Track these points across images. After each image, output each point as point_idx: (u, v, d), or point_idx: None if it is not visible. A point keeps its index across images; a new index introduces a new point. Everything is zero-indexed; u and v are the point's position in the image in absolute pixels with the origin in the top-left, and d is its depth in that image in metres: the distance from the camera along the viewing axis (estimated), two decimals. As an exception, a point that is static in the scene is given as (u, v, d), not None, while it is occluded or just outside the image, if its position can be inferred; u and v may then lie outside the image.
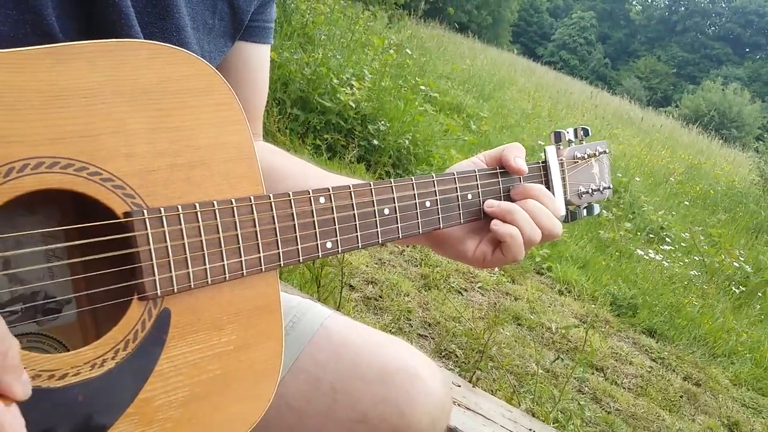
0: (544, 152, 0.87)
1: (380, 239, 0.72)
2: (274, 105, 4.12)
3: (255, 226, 0.61)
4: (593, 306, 3.91)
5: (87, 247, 0.54)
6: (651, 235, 5.97)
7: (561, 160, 0.88)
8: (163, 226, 0.55)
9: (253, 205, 0.61)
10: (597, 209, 0.93)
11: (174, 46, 0.58)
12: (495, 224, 0.77)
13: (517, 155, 0.81)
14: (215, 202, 0.59)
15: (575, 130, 0.90)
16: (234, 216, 0.60)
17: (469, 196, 0.79)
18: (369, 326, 0.87)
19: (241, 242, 0.60)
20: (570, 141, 0.89)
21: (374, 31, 7.51)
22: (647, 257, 5.02)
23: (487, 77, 10.86)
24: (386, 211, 0.72)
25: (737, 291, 5.10)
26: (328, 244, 0.67)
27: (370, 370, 0.78)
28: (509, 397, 2.33)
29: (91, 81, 0.53)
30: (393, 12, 9.88)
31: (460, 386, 1.86)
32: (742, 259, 5.77)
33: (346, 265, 2.74)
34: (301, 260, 0.65)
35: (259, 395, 0.64)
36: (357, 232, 0.69)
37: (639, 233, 5.85)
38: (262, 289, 0.63)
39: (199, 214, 0.58)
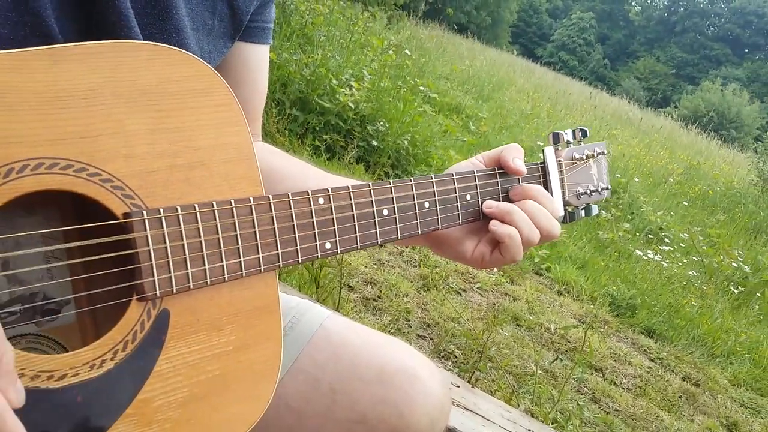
0: (543, 153, 0.87)
1: (379, 240, 0.72)
2: (273, 106, 4.12)
3: (254, 227, 0.61)
4: (592, 306, 3.91)
5: (86, 247, 0.54)
6: (650, 236, 5.98)
7: (559, 161, 0.88)
8: (162, 227, 0.56)
9: (253, 206, 0.61)
10: (595, 210, 0.93)
11: (173, 47, 0.58)
12: (494, 225, 0.77)
13: (515, 156, 0.81)
14: (214, 203, 0.59)
15: (573, 131, 0.90)
16: (233, 217, 0.60)
17: (468, 197, 0.79)
18: (368, 327, 0.87)
19: (240, 243, 0.60)
20: (568, 142, 0.89)
21: (373, 32, 7.51)
22: (646, 258, 5.02)
23: (486, 78, 10.87)
24: (385, 212, 0.72)
25: (736, 291, 5.11)
26: (327, 245, 0.67)
27: (369, 371, 0.78)
28: (508, 397, 2.33)
29: (90, 82, 0.53)
30: (392, 13, 9.89)
31: (459, 387, 1.87)
32: (740, 259, 5.77)
33: (345, 265, 2.74)
34: (300, 261, 0.65)
35: (258, 396, 0.64)
36: (356, 232, 0.70)
37: (638, 234, 5.86)
38: (261, 290, 0.63)
39: (198, 215, 0.58)
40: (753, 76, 54.63)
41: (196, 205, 0.58)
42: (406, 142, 4.58)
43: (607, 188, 0.95)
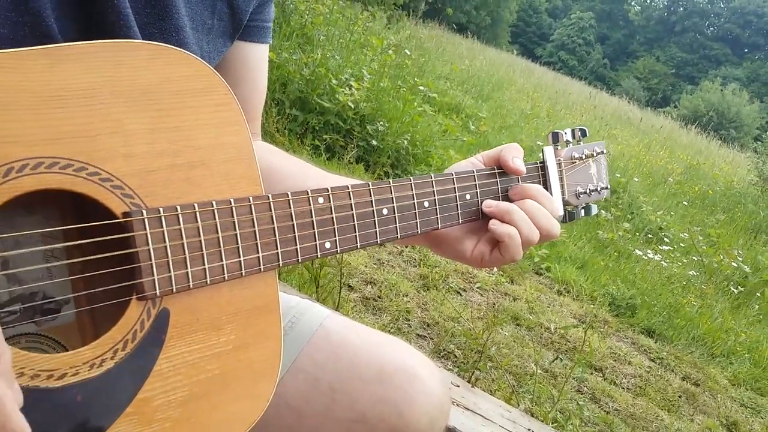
0: (542, 153, 0.87)
1: (379, 239, 0.72)
2: (273, 105, 4.12)
3: (254, 226, 0.61)
4: (592, 306, 3.91)
5: (86, 247, 0.54)
6: (649, 236, 5.98)
7: (559, 160, 0.88)
8: (162, 226, 0.56)
9: (252, 206, 0.61)
10: (595, 210, 0.93)
11: (173, 47, 0.58)
12: (493, 224, 0.77)
13: (515, 155, 0.81)
14: (214, 203, 0.59)
15: (573, 131, 0.90)
16: (233, 216, 0.60)
17: (468, 197, 0.79)
18: (368, 326, 0.87)
19: (239, 242, 0.60)
20: (568, 141, 0.89)
21: (373, 32, 7.51)
22: (646, 257, 5.02)
23: (485, 78, 10.86)
24: (385, 212, 0.72)
25: (736, 291, 5.11)
26: (327, 244, 0.67)
27: (368, 370, 0.78)
28: (508, 397, 2.33)
29: (89, 81, 0.53)
30: (392, 12, 9.88)
31: (458, 386, 1.87)
32: (740, 259, 5.78)
33: (345, 265, 2.74)
34: (299, 260, 0.65)
35: (257, 395, 0.64)
36: (356, 232, 0.70)
37: (638, 233, 5.86)
38: (260, 289, 0.63)
39: (197, 214, 0.58)
40: (752, 76, 54.65)
41: (196, 205, 0.58)
42: (405, 142, 4.58)
43: (607, 188, 0.95)
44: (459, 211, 0.78)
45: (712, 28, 61.13)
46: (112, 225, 0.54)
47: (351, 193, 0.69)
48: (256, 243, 0.62)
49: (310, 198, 0.66)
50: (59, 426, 0.51)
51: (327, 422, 0.78)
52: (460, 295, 3.32)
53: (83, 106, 0.52)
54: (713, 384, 3.46)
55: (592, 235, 5.20)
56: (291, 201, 0.64)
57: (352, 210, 0.69)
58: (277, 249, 0.63)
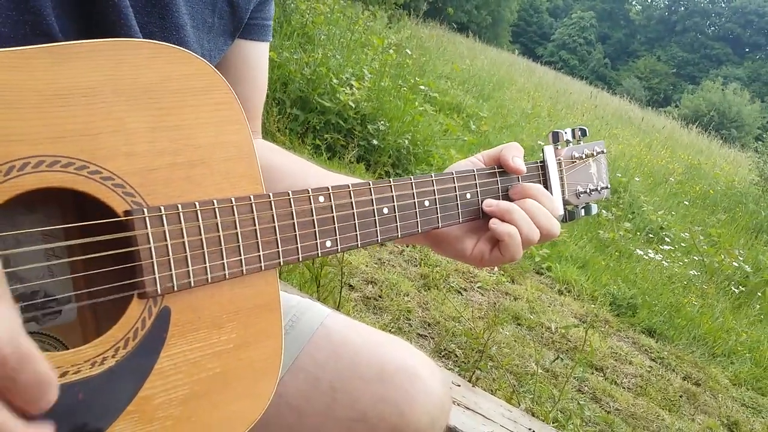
0: (542, 152, 0.87)
1: (379, 238, 0.72)
2: (274, 105, 4.12)
3: (255, 225, 0.62)
4: (593, 306, 3.91)
5: (87, 245, 0.54)
6: (650, 235, 5.98)
7: (559, 159, 0.88)
8: (163, 225, 0.56)
9: (253, 204, 0.61)
10: (595, 209, 0.93)
11: (173, 45, 0.58)
12: (493, 223, 0.77)
13: (515, 155, 0.81)
14: (215, 201, 0.59)
15: (573, 131, 0.90)
16: (234, 215, 0.60)
17: (468, 196, 0.79)
18: (368, 326, 0.87)
19: (240, 241, 0.61)
20: (568, 141, 0.89)
21: (374, 31, 7.51)
22: (647, 257, 5.02)
23: (486, 77, 10.86)
24: (385, 211, 0.72)
25: (737, 291, 5.11)
26: (328, 243, 0.67)
27: (369, 370, 0.78)
28: (509, 396, 2.33)
29: (90, 80, 0.53)
30: (393, 12, 9.89)
31: (459, 386, 1.87)
32: (741, 258, 5.77)
33: (346, 264, 2.74)
34: (300, 259, 0.65)
35: (258, 394, 0.64)
36: (356, 231, 0.70)
37: (638, 233, 5.86)
38: (261, 288, 0.64)
39: (199, 212, 0.58)
40: (754, 76, 54.61)
41: (197, 203, 0.58)
42: (406, 142, 4.58)
43: (607, 187, 0.95)
44: (459, 210, 0.79)
45: (713, 28, 61.08)
46: (114, 223, 0.54)
47: (352, 192, 0.69)
48: (257, 241, 0.62)
49: (311, 197, 0.66)
50: (60, 424, 0.51)
51: (328, 421, 0.78)
52: (461, 294, 3.32)
53: (85, 104, 0.53)
54: (714, 384, 3.46)
55: (593, 235, 5.20)
56: (292, 200, 0.64)
57: (352, 209, 0.69)
58: (278, 247, 0.63)
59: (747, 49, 58.44)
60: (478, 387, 1.97)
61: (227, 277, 0.60)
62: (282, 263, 0.64)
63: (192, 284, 0.57)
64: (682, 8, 62.07)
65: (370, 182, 0.71)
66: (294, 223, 0.64)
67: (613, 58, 59.23)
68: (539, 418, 2.12)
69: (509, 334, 3.03)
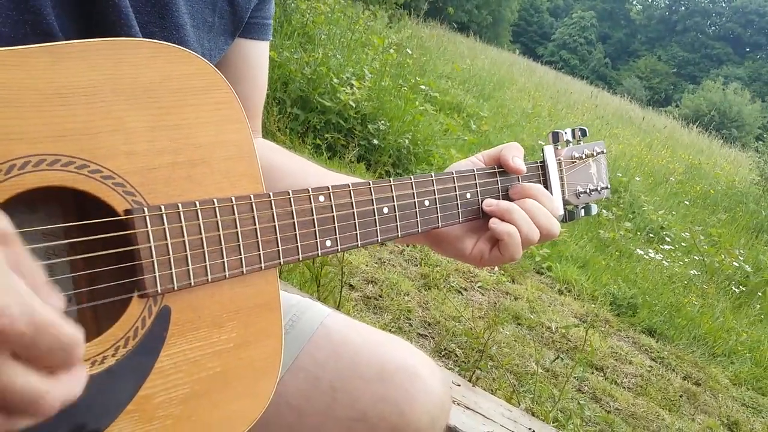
0: (543, 152, 0.87)
1: (379, 238, 0.72)
2: (274, 104, 4.12)
3: (255, 224, 0.62)
4: (593, 305, 3.91)
5: (87, 244, 0.54)
6: (651, 235, 5.98)
7: (559, 159, 0.88)
8: (163, 224, 0.56)
9: (253, 204, 0.62)
10: (595, 209, 0.93)
11: (174, 45, 0.58)
12: (493, 223, 0.77)
13: (515, 155, 0.81)
14: (215, 201, 0.59)
15: (573, 131, 0.90)
16: (234, 214, 0.60)
17: (468, 195, 0.79)
18: (369, 325, 0.87)
19: (241, 240, 0.61)
20: (568, 141, 0.89)
21: (374, 31, 7.51)
22: (647, 257, 5.02)
23: (487, 77, 10.86)
24: (385, 210, 0.72)
25: (737, 290, 5.11)
26: (328, 243, 0.67)
27: (369, 369, 0.78)
28: (509, 396, 2.33)
29: (90, 79, 0.53)
30: (393, 12, 9.88)
31: (459, 385, 1.87)
32: (741, 258, 5.77)
33: (346, 264, 2.74)
34: (300, 258, 0.65)
35: (258, 393, 0.64)
36: (356, 230, 0.70)
37: (639, 233, 5.85)
38: (261, 287, 0.64)
39: (199, 212, 0.58)
40: (754, 75, 54.60)
41: (197, 202, 0.58)
42: (407, 141, 4.58)
43: (607, 187, 0.95)
44: (459, 210, 0.79)
45: (713, 28, 61.06)
46: (114, 222, 0.54)
47: (352, 191, 0.69)
48: (257, 241, 0.62)
49: (311, 196, 0.66)
50: (60, 423, 0.51)
51: (328, 421, 0.78)
52: (461, 294, 3.32)
53: (85, 103, 0.53)
54: (714, 383, 3.46)
55: (594, 235, 5.20)
56: (292, 199, 0.64)
57: (352, 208, 0.69)
58: (278, 247, 0.63)
59: (747, 49, 58.42)
60: (478, 387, 1.97)
61: (227, 276, 0.60)
62: (282, 263, 0.64)
63: (192, 283, 0.58)
64: (683, 8, 62.05)
65: (371, 182, 0.71)
66: (294, 222, 0.64)
67: (613, 58, 59.22)
68: (539, 418, 2.12)
69: (509, 334, 3.03)
